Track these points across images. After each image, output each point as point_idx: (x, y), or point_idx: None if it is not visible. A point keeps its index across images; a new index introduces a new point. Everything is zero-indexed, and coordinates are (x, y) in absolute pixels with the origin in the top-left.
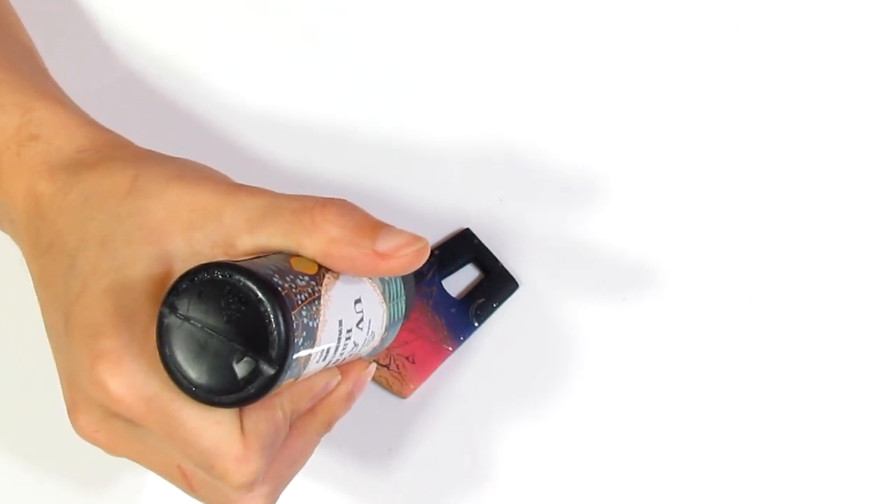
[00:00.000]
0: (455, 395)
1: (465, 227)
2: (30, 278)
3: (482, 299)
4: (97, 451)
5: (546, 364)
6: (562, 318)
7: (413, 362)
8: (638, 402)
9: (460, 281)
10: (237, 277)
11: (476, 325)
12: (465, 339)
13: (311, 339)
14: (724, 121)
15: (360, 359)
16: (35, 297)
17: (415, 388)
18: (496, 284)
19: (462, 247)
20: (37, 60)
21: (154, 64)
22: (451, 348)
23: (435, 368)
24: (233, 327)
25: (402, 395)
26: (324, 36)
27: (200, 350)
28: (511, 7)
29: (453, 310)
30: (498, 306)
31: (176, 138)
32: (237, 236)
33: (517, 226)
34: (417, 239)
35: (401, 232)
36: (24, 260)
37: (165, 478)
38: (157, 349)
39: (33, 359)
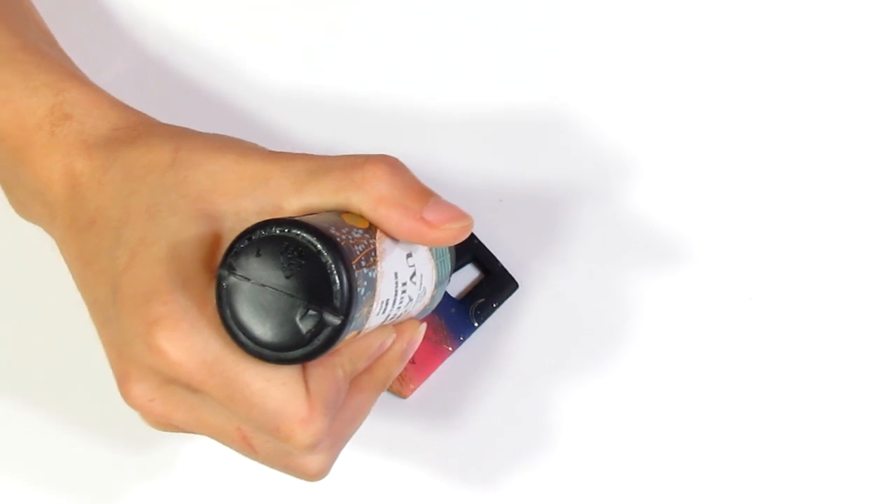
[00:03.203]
0: (455, 395)
1: None
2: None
3: (482, 299)
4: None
5: (545, 364)
6: (562, 319)
7: (413, 362)
8: (638, 402)
9: (460, 281)
10: (296, 232)
11: (476, 325)
12: (464, 339)
13: (371, 290)
14: (724, 121)
15: (411, 318)
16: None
17: (415, 388)
18: (496, 284)
19: (462, 247)
20: (58, 46)
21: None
22: (451, 348)
23: (435, 368)
24: (293, 282)
25: (402, 395)
26: (324, 30)
27: (262, 309)
28: (512, 6)
29: (453, 310)
30: (498, 306)
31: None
32: (284, 199)
33: (517, 226)
34: (465, 216)
35: (449, 204)
36: (55, 243)
37: (224, 442)
38: (216, 312)
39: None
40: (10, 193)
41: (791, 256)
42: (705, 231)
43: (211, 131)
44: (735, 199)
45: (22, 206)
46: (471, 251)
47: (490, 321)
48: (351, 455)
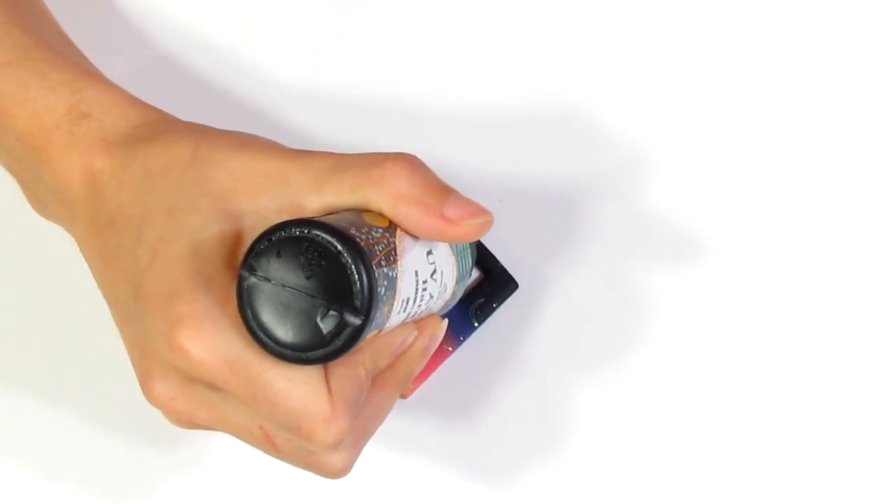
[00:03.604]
0: (455, 395)
1: None
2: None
3: (482, 299)
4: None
5: (545, 364)
6: (562, 319)
7: None
8: (637, 403)
9: None
10: (315, 232)
11: (476, 325)
12: (464, 339)
13: (392, 289)
14: (723, 121)
15: (432, 314)
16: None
17: (415, 389)
18: (496, 284)
19: None
20: (73, 44)
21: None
22: (450, 348)
23: (435, 368)
24: (314, 283)
25: (402, 395)
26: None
27: (283, 309)
28: (517, 7)
29: (453, 310)
30: (498, 306)
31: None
32: (304, 197)
33: (517, 226)
34: (484, 212)
35: (469, 201)
36: (74, 241)
37: (246, 440)
38: (237, 312)
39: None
40: (28, 192)
41: (791, 257)
42: (705, 231)
43: (224, 127)
44: (734, 199)
45: (41, 205)
46: None
47: (490, 321)
48: None
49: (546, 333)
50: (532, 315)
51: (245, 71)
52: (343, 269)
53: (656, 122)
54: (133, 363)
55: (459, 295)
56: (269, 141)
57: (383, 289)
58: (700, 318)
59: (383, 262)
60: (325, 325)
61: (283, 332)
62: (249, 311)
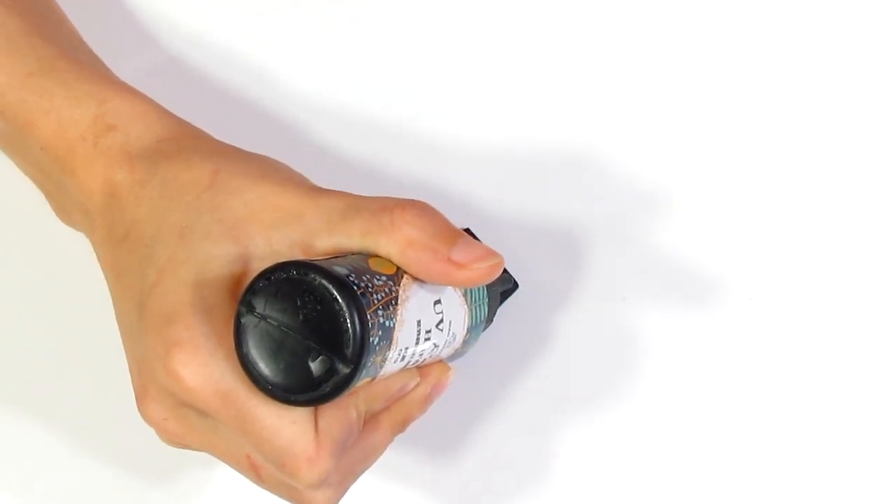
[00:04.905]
0: (455, 395)
1: (465, 227)
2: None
3: None
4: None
5: (545, 364)
6: (562, 319)
7: None
8: (637, 403)
9: None
10: (312, 276)
11: None
12: None
13: (387, 339)
14: (722, 121)
15: (440, 361)
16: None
17: None
18: (496, 284)
19: None
20: (94, 54)
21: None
22: None
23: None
24: (309, 326)
25: None
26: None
27: (277, 349)
28: (516, 10)
29: None
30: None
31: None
32: (317, 237)
33: (517, 226)
34: (493, 254)
35: (478, 244)
36: (93, 251)
37: (232, 466)
38: (233, 346)
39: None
40: (52, 200)
41: (791, 256)
42: (705, 231)
43: (223, 132)
44: (736, 199)
45: (64, 213)
46: None
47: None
48: None
49: (546, 334)
50: (532, 315)
51: (255, 76)
52: (336, 316)
53: (655, 121)
54: (132, 379)
55: (473, 343)
56: (289, 172)
57: (377, 338)
58: (700, 319)
59: (380, 312)
60: (316, 369)
61: (275, 371)
62: (244, 348)
